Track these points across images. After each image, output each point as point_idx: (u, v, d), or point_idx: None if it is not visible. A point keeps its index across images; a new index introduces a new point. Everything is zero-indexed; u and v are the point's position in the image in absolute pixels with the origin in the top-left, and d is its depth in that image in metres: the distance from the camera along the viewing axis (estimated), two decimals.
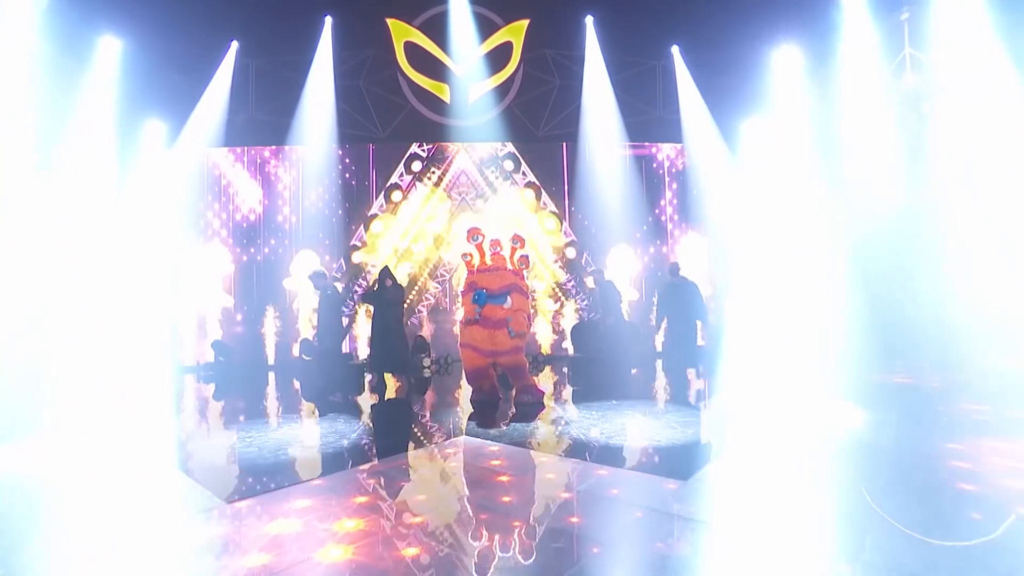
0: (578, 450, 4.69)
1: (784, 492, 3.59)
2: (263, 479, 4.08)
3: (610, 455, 4.48)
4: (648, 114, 10.79)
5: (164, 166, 9.48)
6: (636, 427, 5.40)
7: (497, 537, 3.03)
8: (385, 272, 7.36)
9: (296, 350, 10.07)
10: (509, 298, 6.22)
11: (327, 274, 7.67)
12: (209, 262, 10.02)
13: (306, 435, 5.26)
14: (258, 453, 4.68)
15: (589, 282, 9.99)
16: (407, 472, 4.21)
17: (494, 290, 6.24)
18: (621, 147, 10.80)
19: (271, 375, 9.48)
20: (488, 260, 6.32)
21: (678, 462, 4.35)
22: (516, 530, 3.12)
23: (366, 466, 4.32)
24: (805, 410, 5.66)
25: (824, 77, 8.44)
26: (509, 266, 6.32)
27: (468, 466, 4.36)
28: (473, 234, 6.34)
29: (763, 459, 4.32)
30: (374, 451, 4.85)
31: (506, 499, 3.59)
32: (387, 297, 7.18)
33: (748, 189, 9.45)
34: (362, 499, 3.68)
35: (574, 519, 3.29)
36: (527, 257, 6.50)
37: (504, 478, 3.97)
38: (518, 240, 6.41)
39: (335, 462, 4.43)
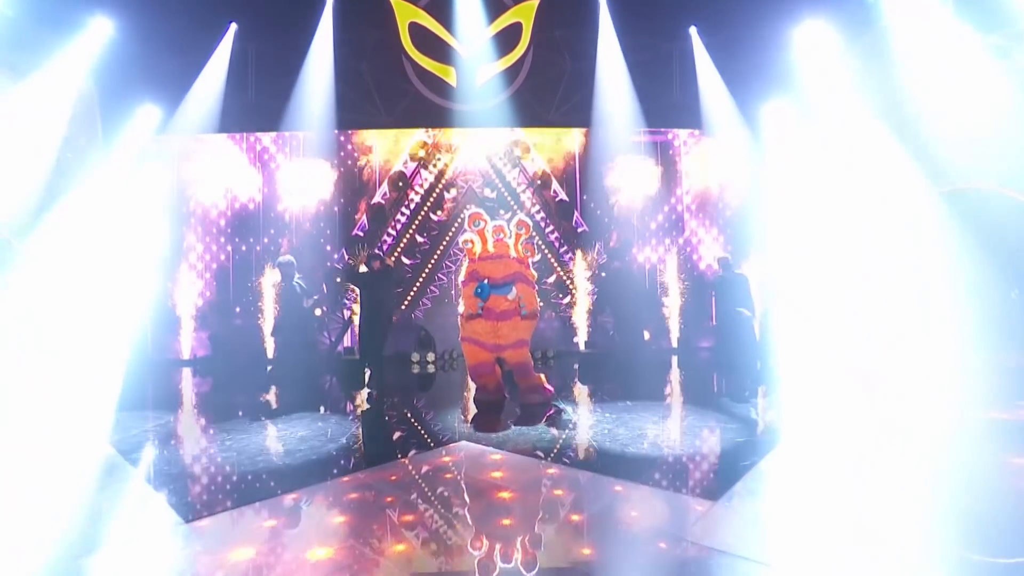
0: (590, 460, 4.14)
1: (836, 517, 3.01)
2: (231, 492, 3.57)
3: (626, 467, 3.91)
4: (664, 99, 10.12)
5: (157, 152, 9.03)
6: (655, 434, 4.83)
7: (493, 570, 2.49)
8: (374, 254, 6.72)
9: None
10: (514, 288, 5.67)
11: (295, 262, 7.11)
12: (203, 252, 9.55)
13: (289, 439, 4.74)
14: (234, 459, 4.18)
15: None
16: (395, 485, 3.67)
17: (497, 279, 5.69)
18: (636, 133, 10.16)
19: (269, 370, 9.00)
20: (490, 247, 5.76)
21: (706, 478, 3.79)
22: (515, 562, 2.58)
23: (348, 477, 3.79)
24: (863, 416, 5.03)
25: (868, 48, 7.66)
26: (512, 253, 5.76)
27: (466, 478, 3.82)
28: (474, 219, 5.78)
29: (810, 475, 3.72)
30: (360, 459, 4.33)
31: (506, 522, 3.04)
32: (379, 278, 6.51)
33: (784, 174, 8.69)
34: (339, 519, 3.16)
35: (586, 550, 2.74)
36: (532, 243, 5.93)
37: (505, 494, 3.43)
38: (523, 226, 5.85)
39: (314, 472, 3.91)
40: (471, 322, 5.74)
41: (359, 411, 6.08)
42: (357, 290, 7.68)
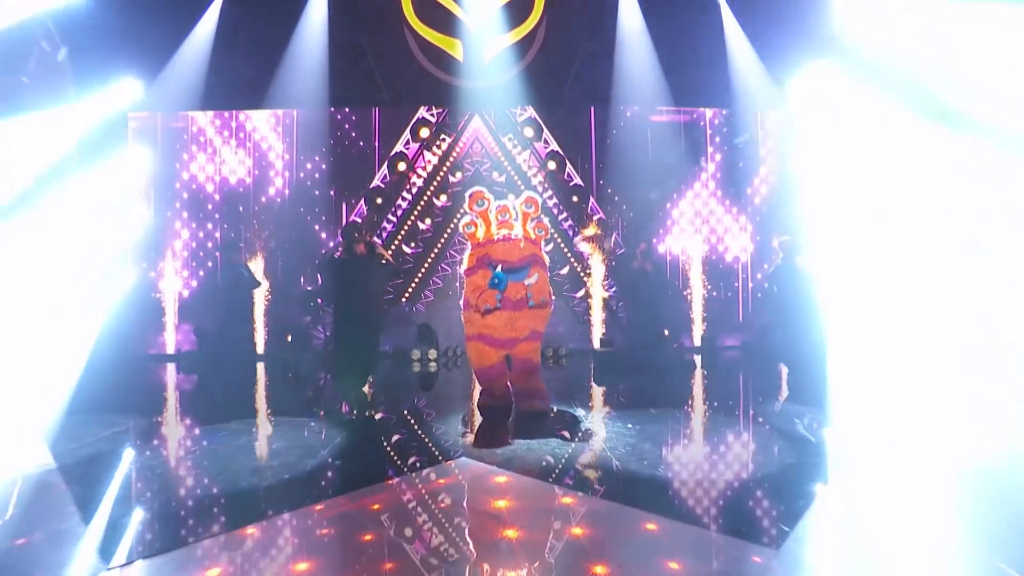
0: (613, 486, 3.51)
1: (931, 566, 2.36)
2: (174, 525, 2.97)
3: (657, 496, 3.29)
4: (690, 75, 9.34)
5: (137, 129, 8.47)
6: (690, 452, 4.19)
7: None
8: (353, 235, 5.72)
9: (290, 337, 9.06)
10: (536, 273, 5.01)
11: (241, 247, 6.48)
12: (189, 238, 8.98)
13: (260, 452, 4.16)
14: (190, 479, 3.60)
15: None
16: (377, 517, 3.06)
17: (514, 263, 5.00)
18: (658, 112, 9.46)
19: (259, 366, 8.47)
20: (494, 231, 5.08)
21: (760, 514, 3.13)
22: None
23: (323, 505, 3.19)
24: (953, 438, 4.31)
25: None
26: (519, 233, 5.07)
27: (463, 509, 3.21)
28: (477, 199, 5.10)
29: (895, 510, 3.05)
30: (340, 480, 3.72)
31: (511, 575, 2.43)
32: (363, 266, 5.52)
33: (824, 155, 7.89)
34: (302, 567, 2.55)
35: None
36: (543, 220, 5.25)
37: (511, 533, 2.81)
38: (531, 203, 5.17)
39: (283, 497, 3.31)
40: (487, 317, 5.07)
41: (346, 418, 5.47)
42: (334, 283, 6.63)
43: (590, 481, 3.61)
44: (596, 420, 5.15)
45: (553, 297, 5.22)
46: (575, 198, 9.51)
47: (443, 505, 3.24)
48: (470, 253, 5.18)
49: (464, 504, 3.28)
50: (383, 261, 6.13)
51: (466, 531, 2.90)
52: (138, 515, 3.08)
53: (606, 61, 9.20)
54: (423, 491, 3.43)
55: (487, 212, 5.08)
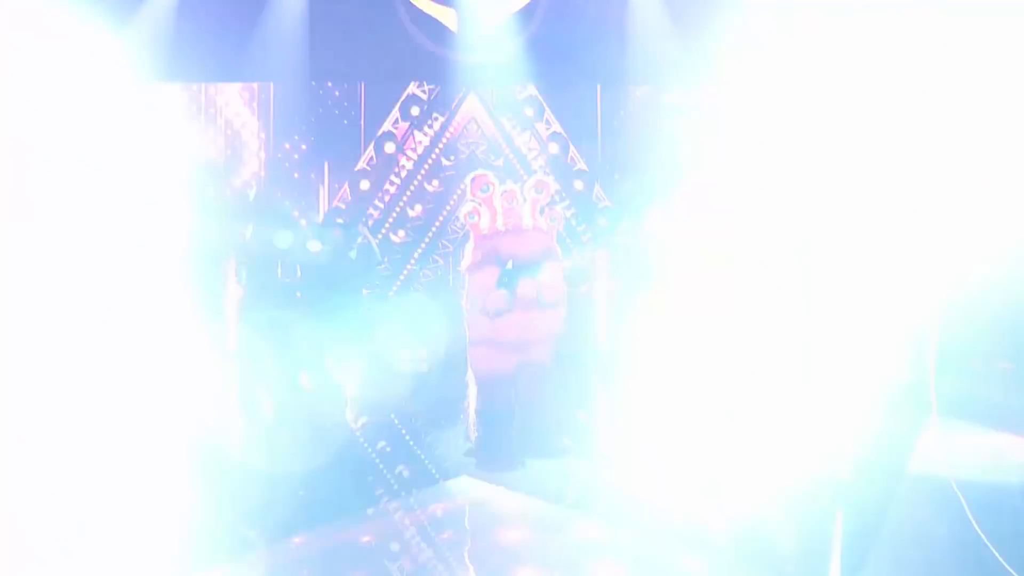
0: (641, 511, 3.20)
1: None
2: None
3: (692, 524, 2.99)
4: (709, 50, 9.13)
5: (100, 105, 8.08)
6: (721, 468, 3.90)
7: None
8: (334, 220, 5.37)
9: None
10: (548, 268, 4.71)
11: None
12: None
13: (212, 476, 3.80)
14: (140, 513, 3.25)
15: None
16: (365, 550, 2.73)
17: (524, 257, 4.68)
18: (672, 91, 9.21)
19: None
20: (500, 220, 4.75)
21: (817, 551, 2.84)
22: None
23: (300, 538, 2.85)
24: None
25: None
26: (529, 222, 4.76)
27: (467, 542, 2.89)
28: (480, 184, 4.77)
29: None
30: (320, 506, 3.36)
31: None
32: (341, 254, 5.16)
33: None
34: None
35: None
36: (558, 211, 4.96)
37: (527, 574, 2.48)
38: (542, 188, 4.87)
39: (247, 529, 2.96)
40: (496, 321, 4.73)
41: (328, 425, 5.10)
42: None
43: (613, 503, 3.30)
44: (610, 430, 4.86)
45: (566, 292, 4.94)
46: (579, 184, 9.25)
47: (444, 536, 2.92)
48: (473, 247, 4.86)
49: (468, 535, 2.96)
50: (371, 250, 5.72)
51: (472, 569, 2.57)
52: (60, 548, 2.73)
53: (616, 35, 8.97)
54: (420, 518, 3.11)
55: (492, 199, 4.75)
